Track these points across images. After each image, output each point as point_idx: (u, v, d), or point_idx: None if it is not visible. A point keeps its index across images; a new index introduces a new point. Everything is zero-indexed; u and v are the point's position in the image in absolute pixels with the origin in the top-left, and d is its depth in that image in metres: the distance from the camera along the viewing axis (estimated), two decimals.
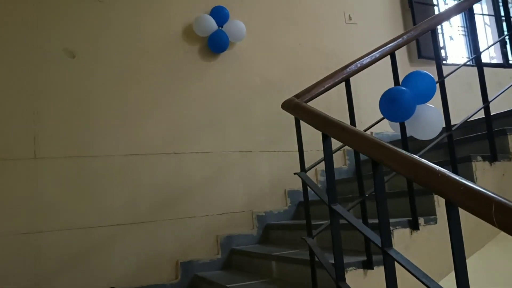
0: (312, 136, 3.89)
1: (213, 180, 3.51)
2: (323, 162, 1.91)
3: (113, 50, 3.35)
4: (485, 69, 4.81)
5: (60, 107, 3.14)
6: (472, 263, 2.08)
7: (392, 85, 4.25)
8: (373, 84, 4.22)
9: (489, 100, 2.62)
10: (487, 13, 5.08)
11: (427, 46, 4.42)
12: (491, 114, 2.60)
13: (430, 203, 2.39)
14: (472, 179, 2.49)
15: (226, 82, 3.69)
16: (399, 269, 1.47)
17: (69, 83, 3.19)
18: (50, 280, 2.91)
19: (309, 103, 2.10)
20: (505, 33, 5.07)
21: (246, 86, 3.76)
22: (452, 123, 2.45)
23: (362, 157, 3.86)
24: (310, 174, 3.81)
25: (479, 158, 2.53)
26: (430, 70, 4.61)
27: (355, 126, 2.24)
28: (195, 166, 3.47)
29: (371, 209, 2.48)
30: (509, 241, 2.42)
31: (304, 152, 3.92)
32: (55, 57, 3.17)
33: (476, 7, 5.08)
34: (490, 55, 4.89)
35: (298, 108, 1.96)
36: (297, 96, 2.09)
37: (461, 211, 1.18)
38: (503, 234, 1.15)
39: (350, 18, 4.27)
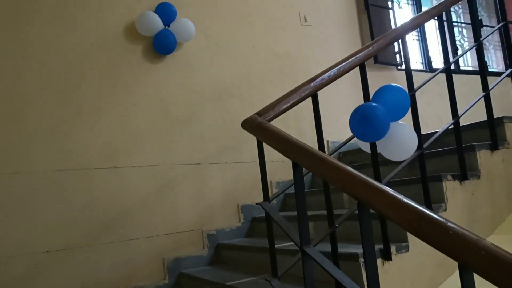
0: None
1: (159, 196, 3.15)
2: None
3: (43, 49, 2.91)
4: (437, 76, 4.78)
5: None
6: None
7: (350, 94, 4.12)
8: (329, 92, 4.01)
9: (459, 114, 2.45)
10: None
11: (384, 51, 4.26)
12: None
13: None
14: (442, 201, 2.32)
15: (173, 87, 3.34)
16: None
17: None
18: None
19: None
20: (456, 38, 5.05)
21: (195, 91, 3.42)
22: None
23: None
24: None
25: (449, 177, 2.36)
26: (386, 75, 4.50)
27: (323, 146, 1.99)
28: (138, 181, 3.10)
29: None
30: None
31: (256, 163, 3.67)
32: None
33: None
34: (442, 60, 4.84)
35: (262, 129, 1.68)
36: (259, 113, 1.80)
37: None
38: None
39: (305, 20, 4.04)
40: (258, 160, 3.69)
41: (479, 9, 5.26)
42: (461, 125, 2.46)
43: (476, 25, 2.70)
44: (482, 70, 2.67)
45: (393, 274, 2.08)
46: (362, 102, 4.14)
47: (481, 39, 2.72)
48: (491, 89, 2.68)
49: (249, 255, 2.92)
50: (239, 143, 3.53)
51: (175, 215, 3.18)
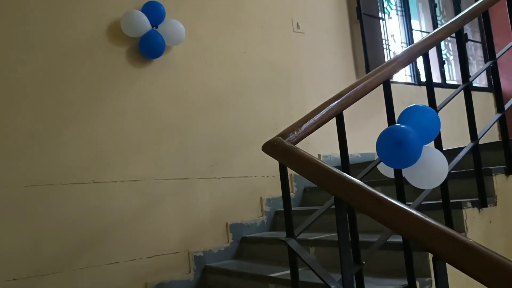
0: (260, 158, 3.40)
1: (142, 215, 2.85)
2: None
3: (11, 49, 2.56)
4: (422, 88, 4.69)
5: None
6: None
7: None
8: (320, 102, 3.82)
9: (478, 137, 2.30)
10: (425, 30, 4.96)
11: (376, 62, 4.13)
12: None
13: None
14: (462, 229, 2.15)
15: (161, 94, 3.04)
16: None
17: None
18: None
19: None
20: (443, 51, 4.99)
21: (184, 99, 3.14)
22: None
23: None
24: (255, 202, 3.32)
25: (469, 204, 2.20)
26: (380, 87, 4.34)
27: (348, 170, 1.77)
28: (119, 198, 2.79)
29: None
30: None
31: (247, 178, 3.43)
32: None
33: (415, 24, 4.93)
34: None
35: (291, 155, 1.44)
36: (283, 134, 1.56)
37: None
38: None
39: (298, 27, 3.83)
40: (248, 175, 3.51)
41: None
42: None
43: (490, 44, 2.55)
44: (498, 90, 2.52)
45: None
46: (358, 112, 3.99)
47: (497, 57, 2.57)
48: (507, 109, 2.54)
49: (239, 282, 2.67)
50: (230, 156, 3.28)
51: (160, 235, 2.88)
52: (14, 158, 2.48)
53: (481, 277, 0.89)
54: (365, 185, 1.18)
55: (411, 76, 4.66)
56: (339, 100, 1.71)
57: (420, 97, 4.59)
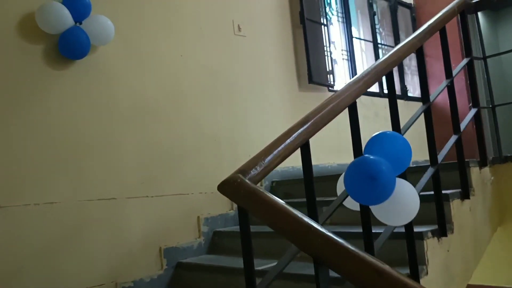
0: (197, 173, 3.08)
1: (60, 244, 2.43)
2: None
3: None
4: (363, 97, 4.61)
5: None
6: None
7: (294, 116, 3.68)
8: (262, 112, 3.59)
9: (438, 162, 2.16)
10: (363, 38, 4.89)
11: (318, 70, 3.96)
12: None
13: None
14: (423, 262, 2.00)
15: (83, 102, 2.63)
16: None
17: None
18: None
19: None
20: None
21: (111, 108, 2.74)
22: None
23: None
24: (191, 222, 3.00)
25: (429, 234, 2.05)
26: (320, 96, 4.19)
27: (315, 207, 1.52)
28: (32, 225, 2.35)
29: None
30: None
31: (183, 196, 3.09)
32: None
33: (354, 31, 4.84)
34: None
35: (256, 200, 1.15)
36: (243, 171, 1.28)
37: None
38: None
39: (239, 29, 3.55)
40: (184, 193, 3.16)
41: (400, 35, 5.24)
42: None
43: (447, 62, 2.43)
44: (454, 110, 2.41)
45: None
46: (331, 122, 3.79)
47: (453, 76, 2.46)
48: (463, 130, 2.44)
49: None
50: (164, 172, 2.93)
51: (82, 266, 2.48)
52: None
53: None
54: (361, 251, 0.93)
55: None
56: (304, 127, 1.46)
57: (359, 106, 4.50)
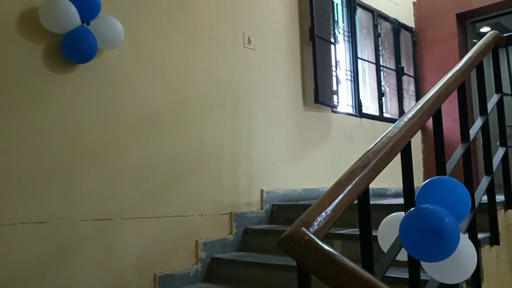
0: (198, 192, 2.85)
1: (48, 267, 2.17)
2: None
3: None
4: (364, 121, 4.49)
5: None
6: None
7: (288, 134, 3.50)
8: (263, 131, 3.40)
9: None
10: (367, 59, 4.77)
11: (324, 90, 3.80)
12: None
13: None
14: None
15: (85, 110, 2.38)
16: None
17: None
18: None
19: None
20: (382, 82, 4.85)
21: (115, 117, 2.50)
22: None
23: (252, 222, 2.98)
24: (189, 247, 2.78)
25: (464, 285, 1.89)
26: (324, 117, 4.04)
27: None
28: (20, 245, 2.08)
29: None
30: None
31: (182, 218, 2.85)
32: None
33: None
34: (366, 104, 4.56)
35: (330, 263, 0.96)
36: (305, 223, 1.08)
37: None
38: None
39: (249, 42, 3.36)
40: (184, 214, 2.91)
41: (401, 58, 5.16)
42: None
43: (484, 97, 2.30)
44: (488, 151, 2.26)
45: None
46: (303, 143, 3.62)
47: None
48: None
49: None
50: (165, 190, 2.70)
51: None
52: None
53: None
54: None
55: (352, 106, 4.42)
56: (365, 171, 1.27)
57: (359, 129, 4.38)
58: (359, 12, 4.64)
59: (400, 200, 1.97)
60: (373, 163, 1.32)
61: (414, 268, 1.49)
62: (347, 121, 4.25)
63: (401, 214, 1.52)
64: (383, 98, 4.80)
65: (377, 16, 4.89)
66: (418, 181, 5.19)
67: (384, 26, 5.05)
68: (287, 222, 3.21)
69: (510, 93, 2.55)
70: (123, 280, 2.44)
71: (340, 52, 4.33)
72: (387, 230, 1.55)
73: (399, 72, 5.12)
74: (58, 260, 2.20)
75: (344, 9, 4.52)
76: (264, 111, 3.40)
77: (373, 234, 1.35)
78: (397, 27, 5.18)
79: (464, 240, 1.47)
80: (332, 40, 4.04)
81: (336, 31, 4.24)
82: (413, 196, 1.54)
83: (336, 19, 4.29)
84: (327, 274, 0.99)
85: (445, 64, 5.27)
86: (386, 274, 1.38)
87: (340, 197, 1.17)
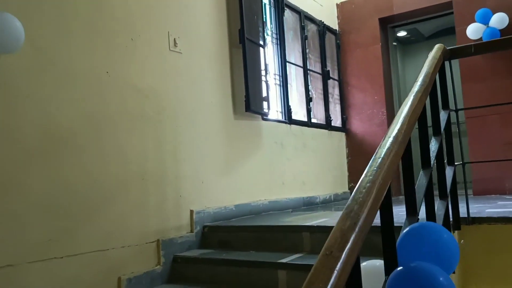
0: (120, 220, 2.41)
1: None
2: None
3: None
4: (294, 127, 4.31)
5: None
6: None
7: (218, 148, 3.17)
8: (192, 144, 3.08)
9: None
10: (294, 63, 4.58)
11: (255, 97, 3.54)
12: None
13: None
14: None
15: None
16: None
17: None
18: None
19: None
20: (309, 87, 4.70)
21: (13, 138, 2.03)
22: None
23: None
24: (111, 286, 2.38)
25: None
26: (255, 125, 3.76)
27: None
28: None
29: None
30: None
31: (102, 252, 2.41)
32: None
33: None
34: (294, 110, 4.38)
35: None
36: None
37: None
38: None
39: (175, 44, 2.99)
40: (104, 248, 2.44)
41: (327, 61, 5.06)
42: None
43: (437, 115, 2.16)
44: (443, 175, 2.13)
45: None
46: (233, 155, 3.33)
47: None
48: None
49: None
50: (78, 222, 2.27)
51: None
52: None
53: None
54: None
55: (281, 112, 4.22)
56: (356, 231, 1.01)
57: (290, 137, 4.19)
58: (287, 13, 4.43)
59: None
60: (361, 220, 1.06)
61: None
62: (278, 129, 4.04)
63: (378, 267, 1.29)
64: (310, 103, 4.65)
65: (304, 17, 4.73)
66: (343, 187, 5.16)
67: (311, 28, 4.91)
68: (220, 246, 2.91)
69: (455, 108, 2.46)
70: None
71: (268, 55, 4.10)
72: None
73: (325, 76, 5.02)
74: None
75: (272, 9, 4.29)
76: (191, 121, 3.06)
77: None
78: (323, 29, 5.07)
79: None
80: (262, 42, 3.79)
81: (265, 33, 4.00)
82: (395, 254, 1.29)
83: (264, 20, 4.04)
84: None
85: (368, 68, 5.27)
86: None
87: (333, 279, 0.89)
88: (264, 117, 3.82)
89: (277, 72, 4.22)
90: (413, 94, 1.76)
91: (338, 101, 5.30)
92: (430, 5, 4.95)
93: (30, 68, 2.11)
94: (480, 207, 3.00)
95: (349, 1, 5.43)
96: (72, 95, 2.30)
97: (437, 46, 2.34)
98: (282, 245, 2.68)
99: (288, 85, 4.33)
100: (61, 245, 2.16)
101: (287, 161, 4.05)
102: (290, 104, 4.26)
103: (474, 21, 4.60)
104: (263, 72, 3.77)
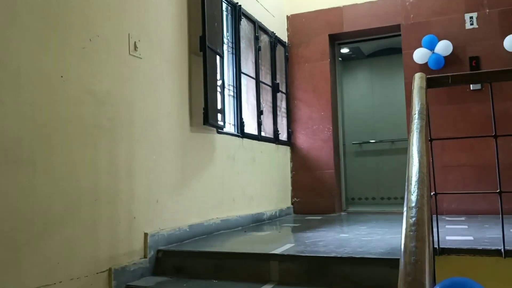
0: (68, 246, 2.07)
1: None
2: None
3: None
4: (246, 141, 4.14)
5: None
6: None
7: (174, 164, 2.90)
8: (145, 160, 2.81)
9: None
10: (247, 73, 4.41)
11: (214, 109, 3.33)
12: None
13: None
14: None
15: None
16: None
17: None
18: None
19: None
20: (261, 99, 4.56)
21: None
22: None
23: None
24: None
25: None
26: (210, 139, 3.52)
27: None
28: None
29: None
30: None
31: None
32: None
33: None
34: (248, 122, 4.21)
35: None
36: None
37: None
38: None
39: (135, 48, 2.69)
40: (48, 283, 2.09)
41: (277, 74, 4.95)
42: None
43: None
44: None
45: None
46: (188, 171, 3.08)
47: None
48: None
49: None
50: (19, 252, 1.92)
51: None
52: None
53: None
54: None
55: (234, 125, 4.03)
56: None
57: (241, 150, 4.01)
58: (243, 22, 4.27)
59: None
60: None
61: None
62: (231, 142, 3.85)
63: None
64: (261, 116, 4.52)
65: (258, 27, 4.58)
66: (286, 202, 5.07)
67: (263, 39, 4.78)
68: (176, 272, 2.65)
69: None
70: None
71: (224, 65, 3.90)
72: None
73: (275, 89, 4.92)
74: None
75: (229, 17, 4.10)
76: (147, 133, 2.78)
77: None
78: (274, 40, 4.97)
79: None
80: (220, 51, 3.58)
81: (223, 42, 3.79)
82: None
83: (223, 28, 3.83)
84: None
85: (316, 83, 5.25)
86: None
87: None
88: (219, 130, 3.61)
89: (231, 83, 4.03)
90: (418, 130, 1.67)
91: (285, 115, 5.22)
92: (379, 26, 5.04)
93: None
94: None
95: (299, 14, 5.38)
96: (18, 100, 1.94)
97: (419, 75, 2.29)
98: (246, 274, 2.49)
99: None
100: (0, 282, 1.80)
101: (237, 176, 3.87)
102: (243, 116, 4.09)
103: (420, 46, 4.75)
104: (219, 83, 3.56)
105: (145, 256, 2.64)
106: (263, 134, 4.54)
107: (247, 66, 4.38)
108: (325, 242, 2.84)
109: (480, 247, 2.38)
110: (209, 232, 3.31)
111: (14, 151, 1.92)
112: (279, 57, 5.13)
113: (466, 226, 3.42)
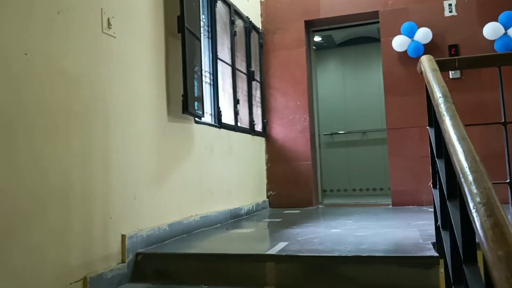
0: (38, 250, 1.75)
1: None
2: None
3: None
4: (223, 131, 3.88)
5: None
6: None
7: (153, 155, 2.61)
8: (127, 148, 2.52)
9: None
10: (223, 60, 4.13)
11: (192, 97, 3.05)
12: None
13: None
14: None
15: None
16: None
17: None
18: None
19: None
20: (237, 88, 4.30)
21: None
22: None
23: None
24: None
25: None
26: (188, 129, 3.23)
27: None
28: None
29: None
30: None
31: None
32: None
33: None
34: (224, 111, 3.94)
35: None
36: None
37: None
38: None
39: (109, 25, 2.37)
40: None
41: (251, 61, 4.70)
42: None
43: None
44: None
45: None
46: (166, 166, 2.80)
47: None
48: None
49: None
50: None
51: None
52: None
53: None
54: None
55: (211, 115, 3.75)
56: None
57: (219, 141, 3.75)
58: (219, 4, 3.98)
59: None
60: None
61: None
62: (208, 132, 3.58)
63: None
64: (238, 105, 4.26)
65: (233, 11, 4.31)
66: (262, 196, 4.84)
67: (238, 24, 4.51)
68: (158, 277, 2.38)
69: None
70: None
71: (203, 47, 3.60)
72: None
73: (250, 77, 4.67)
74: None
75: None
76: (124, 121, 2.48)
77: None
78: (249, 26, 4.71)
79: None
80: (198, 35, 3.29)
81: (201, 24, 3.50)
82: None
83: (200, 9, 3.54)
84: None
85: (292, 71, 5.04)
86: None
87: None
88: (197, 119, 3.33)
89: (207, 69, 3.75)
90: (451, 114, 1.48)
91: (260, 104, 4.98)
92: (357, 13, 4.87)
93: None
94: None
95: None
96: None
97: (426, 57, 2.12)
98: (240, 277, 2.25)
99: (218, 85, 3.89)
100: None
101: (214, 168, 3.61)
102: (220, 105, 3.82)
103: (399, 33, 4.62)
104: (196, 69, 3.28)
105: (123, 261, 2.34)
106: (239, 124, 4.29)
107: (223, 52, 4.10)
108: (320, 239, 2.64)
109: None
110: (189, 231, 3.04)
111: None
112: (254, 44, 4.87)
113: None
